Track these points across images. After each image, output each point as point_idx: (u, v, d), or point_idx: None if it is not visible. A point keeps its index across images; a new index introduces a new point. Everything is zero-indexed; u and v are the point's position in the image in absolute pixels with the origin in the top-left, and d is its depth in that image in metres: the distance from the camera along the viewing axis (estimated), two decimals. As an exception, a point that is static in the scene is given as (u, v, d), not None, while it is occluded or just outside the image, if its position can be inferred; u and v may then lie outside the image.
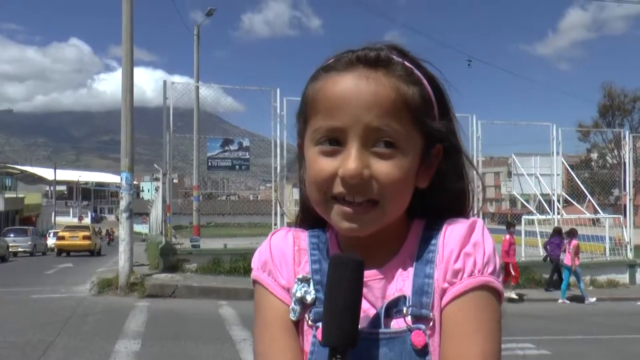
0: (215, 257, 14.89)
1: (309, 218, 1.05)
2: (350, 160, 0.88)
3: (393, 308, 0.91)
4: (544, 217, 17.15)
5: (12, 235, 32.40)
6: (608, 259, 16.80)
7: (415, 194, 0.96)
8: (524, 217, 17.44)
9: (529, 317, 11.09)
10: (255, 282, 1.00)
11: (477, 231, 0.94)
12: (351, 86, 0.90)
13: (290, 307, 0.95)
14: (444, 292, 0.91)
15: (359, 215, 0.90)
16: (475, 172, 1.06)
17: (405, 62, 0.95)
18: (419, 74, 0.95)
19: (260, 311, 0.99)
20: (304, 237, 1.03)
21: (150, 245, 21.47)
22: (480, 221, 0.96)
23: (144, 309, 10.57)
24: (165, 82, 15.29)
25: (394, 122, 0.89)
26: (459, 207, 1.01)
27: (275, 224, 15.32)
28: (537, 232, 16.84)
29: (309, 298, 0.94)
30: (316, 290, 0.94)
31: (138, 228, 47.57)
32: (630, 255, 17.10)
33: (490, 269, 0.91)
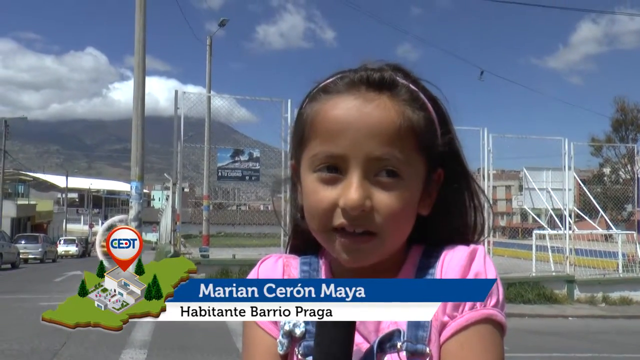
0: (223, 268, 14.85)
1: (301, 242, 1.00)
2: (351, 191, 0.82)
3: (387, 342, 0.84)
4: (555, 232, 17.00)
5: (23, 241, 32.53)
6: (621, 275, 16.57)
7: (416, 220, 0.91)
8: (535, 231, 17.29)
9: (540, 333, 10.96)
10: None
11: (478, 260, 0.88)
12: (353, 111, 0.84)
13: (278, 340, 0.90)
14: (443, 325, 0.85)
15: (359, 246, 0.85)
16: (483, 196, 0.98)
17: (411, 85, 0.89)
18: (424, 97, 0.90)
19: (246, 345, 0.95)
20: (295, 264, 0.98)
21: (159, 254, 21.50)
22: (481, 248, 0.90)
23: (150, 318, 10.54)
24: (176, 92, 15.35)
25: (398, 150, 0.84)
26: (461, 234, 0.95)
27: (286, 235, 15.28)
28: (549, 247, 16.69)
29: (298, 331, 0.88)
30: (306, 323, 0.88)
31: (148, 237, 47.81)
32: (643, 272, 16.88)
33: (493, 301, 0.85)
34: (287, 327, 0.88)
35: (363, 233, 0.84)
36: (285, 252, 1.04)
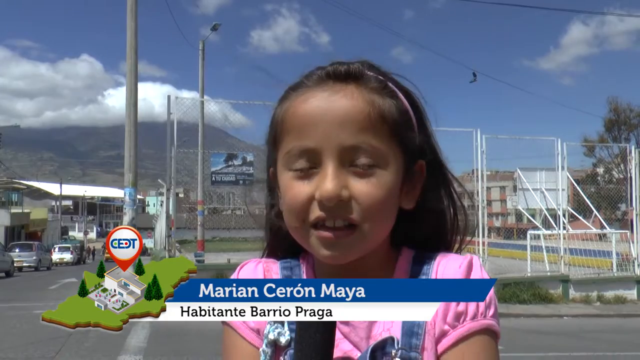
0: (218, 272, 14.81)
1: (280, 246, 0.98)
2: (327, 181, 0.81)
3: (379, 350, 0.83)
4: (549, 232, 17.05)
5: (17, 250, 32.40)
6: (615, 274, 16.64)
7: (400, 217, 0.89)
8: (529, 232, 17.34)
9: (535, 333, 10.98)
10: (223, 322, 0.92)
11: (476, 270, 0.87)
12: (321, 103, 0.84)
13: (261, 349, 0.87)
14: (443, 334, 0.84)
15: (339, 241, 0.82)
16: (456, 191, 0.96)
17: (379, 76, 0.88)
18: (393, 86, 0.89)
19: (227, 355, 0.93)
20: (275, 269, 0.96)
21: (154, 259, 21.46)
22: (476, 258, 0.89)
23: (146, 324, 10.48)
24: (169, 98, 15.32)
25: (371, 137, 0.83)
26: (446, 230, 0.94)
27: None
28: (543, 247, 16.74)
29: (283, 340, 0.86)
30: (291, 331, 0.85)
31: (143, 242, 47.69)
32: (637, 271, 16.94)
33: (491, 312, 0.85)
34: (271, 336, 0.86)
35: (344, 227, 0.82)
36: (263, 257, 1.01)
